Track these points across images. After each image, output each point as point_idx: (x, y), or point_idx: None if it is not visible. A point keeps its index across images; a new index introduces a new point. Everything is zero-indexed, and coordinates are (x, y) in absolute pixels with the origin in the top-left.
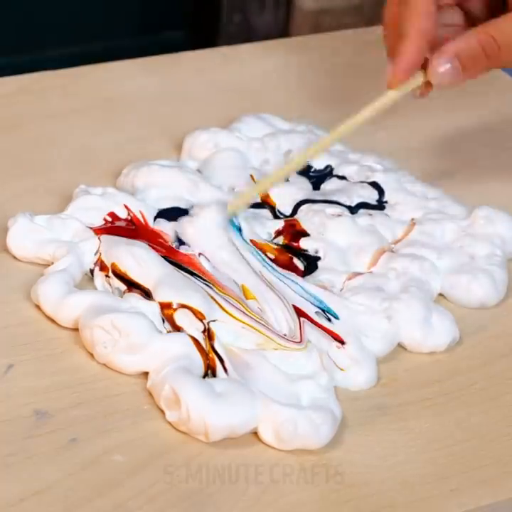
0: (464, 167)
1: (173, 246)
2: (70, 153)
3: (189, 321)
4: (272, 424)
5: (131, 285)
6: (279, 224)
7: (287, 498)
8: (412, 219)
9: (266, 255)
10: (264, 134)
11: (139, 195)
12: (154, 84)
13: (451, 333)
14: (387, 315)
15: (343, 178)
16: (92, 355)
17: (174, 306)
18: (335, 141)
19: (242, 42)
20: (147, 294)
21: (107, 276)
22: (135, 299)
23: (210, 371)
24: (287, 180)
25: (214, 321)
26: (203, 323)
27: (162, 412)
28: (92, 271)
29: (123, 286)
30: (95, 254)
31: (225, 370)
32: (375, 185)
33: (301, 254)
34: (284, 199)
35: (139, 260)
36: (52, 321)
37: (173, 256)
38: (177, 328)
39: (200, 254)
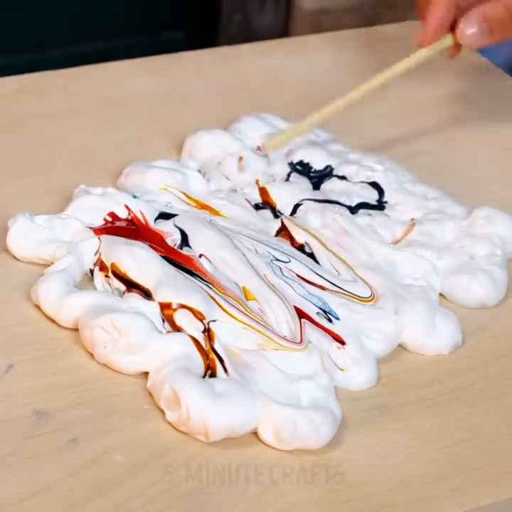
0: (464, 167)
1: (175, 246)
2: (70, 153)
3: (189, 321)
4: (272, 424)
5: (131, 285)
6: (279, 223)
7: (287, 498)
8: (412, 219)
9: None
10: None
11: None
12: (154, 85)
13: (455, 337)
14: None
15: (343, 178)
16: (92, 355)
17: (174, 307)
18: (375, 88)
19: (242, 42)
20: (147, 294)
21: (106, 276)
22: (135, 299)
23: (210, 371)
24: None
25: (214, 321)
26: (203, 324)
27: (162, 412)
28: (92, 271)
29: (123, 287)
30: (95, 254)
31: (225, 370)
32: (375, 185)
33: (302, 251)
34: (284, 199)
35: (138, 260)
36: (52, 321)
37: (174, 256)
38: (177, 329)
39: (200, 255)
